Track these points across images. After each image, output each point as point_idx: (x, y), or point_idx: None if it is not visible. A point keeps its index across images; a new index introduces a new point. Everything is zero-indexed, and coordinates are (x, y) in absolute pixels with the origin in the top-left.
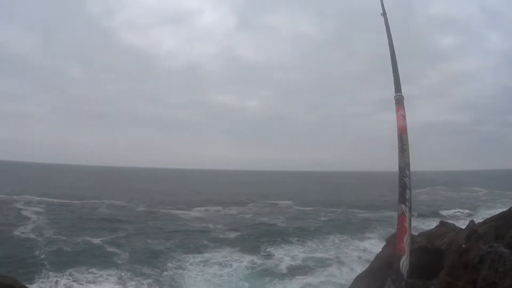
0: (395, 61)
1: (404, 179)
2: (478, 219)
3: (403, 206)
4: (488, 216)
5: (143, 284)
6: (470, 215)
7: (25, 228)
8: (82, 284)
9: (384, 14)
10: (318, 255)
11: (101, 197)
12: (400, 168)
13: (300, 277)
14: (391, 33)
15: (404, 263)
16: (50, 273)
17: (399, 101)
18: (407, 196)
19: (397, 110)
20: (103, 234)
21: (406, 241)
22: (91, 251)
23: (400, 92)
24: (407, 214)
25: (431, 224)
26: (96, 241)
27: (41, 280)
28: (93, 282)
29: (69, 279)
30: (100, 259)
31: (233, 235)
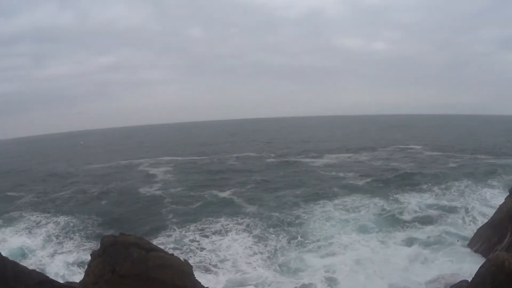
0: None
1: None
2: None
3: None
4: None
5: (269, 231)
6: None
7: (151, 187)
8: (208, 237)
9: None
10: (443, 202)
11: (231, 150)
12: None
13: (423, 225)
14: None
15: None
16: (175, 227)
17: None
18: None
19: None
20: (230, 186)
21: None
22: (219, 204)
23: None
24: None
25: None
26: (224, 194)
27: (166, 234)
28: (219, 232)
29: (195, 231)
30: (227, 211)
31: (362, 181)
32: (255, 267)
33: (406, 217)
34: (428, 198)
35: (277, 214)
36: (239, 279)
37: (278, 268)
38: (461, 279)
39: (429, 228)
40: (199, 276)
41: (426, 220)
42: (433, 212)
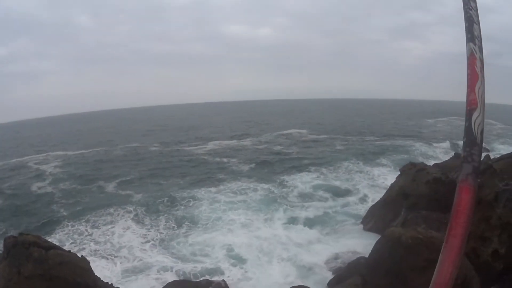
0: None
1: (469, 11)
2: (493, 155)
3: (471, 45)
4: (504, 153)
5: (159, 218)
6: (485, 150)
7: (42, 183)
8: (99, 228)
9: None
10: (333, 183)
11: (115, 141)
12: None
13: (313, 205)
14: None
15: (477, 119)
16: (69, 222)
17: None
18: (475, 33)
19: None
20: (117, 178)
21: (478, 90)
22: (106, 196)
23: None
24: (477, 55)
25: (445, 156)
26: (111, 186)
27: (60, 230)
28: (110, 223)
29: (87, 224)
30: (115, 202)
31: (247, 167)
32: (150, 255)
33: (295, 198)
34: (316, 179)
35: (164, 201)
36: (137, 266)
37: (175, 252)
38: (358, 256)
39: (319, 208)
40: (96, 268)
41: (316, 200)
42: (322, 193)
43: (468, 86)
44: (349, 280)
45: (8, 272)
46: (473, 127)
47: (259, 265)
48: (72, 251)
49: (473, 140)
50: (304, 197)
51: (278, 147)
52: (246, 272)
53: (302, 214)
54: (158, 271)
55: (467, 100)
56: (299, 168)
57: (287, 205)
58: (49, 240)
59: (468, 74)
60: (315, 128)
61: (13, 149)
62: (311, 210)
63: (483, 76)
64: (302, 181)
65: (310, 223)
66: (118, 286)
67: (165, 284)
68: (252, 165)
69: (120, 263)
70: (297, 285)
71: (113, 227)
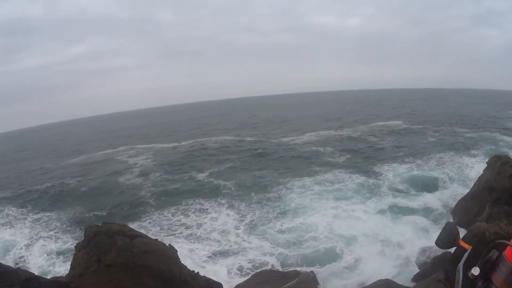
0: None
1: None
2: None
3: None
4: None
5: (252, 206)
6: None
7: (131, 174)
8: (189, 215)
9: None
10: (426, 173)
11: (207, 133)
12: None
13: (405, 196)
14: None
15: None
16: (158, 210)
17: None
18: None
19: None
20: (209, 169)
21: None
22: (198, 185)
23: None
24: None
25: None
26: (202, 176)
27: (149, 218)
28: (201, 210)
29: (177, 212)
30: (206, 191)
31: (342, 157)
32: (241, 240)
33: (388, 189)
34: (409, 170)
35: (257, 190)
36: (228, 251)
37: (268, 238)
38: (444, 251)
39: (412, 200)
40: (185, 254)
41: (408, 192)
42: (414, 184)
43: None
44: (433, 275)
45: (87, 260)
46: None
47: (351, 255)
48: (161, 237)
49: None
50: (397, 188)
51: (373, 138)
52: (336, 262)
53: (395, 205)
54: (249, 256)
55: None
56: (393, 158)
57: (380, 196)
58: (138, 228)
59: None
60: (408, 118)
61: (101, 142)
62: (404, 202)
63: None
64: (396, 172)
65: (401, 215)
66: (204, 268)
67: (254, 272)
68: (347, 156)
69: (211, 247)
70: (383, 278)
71: (204, 214)
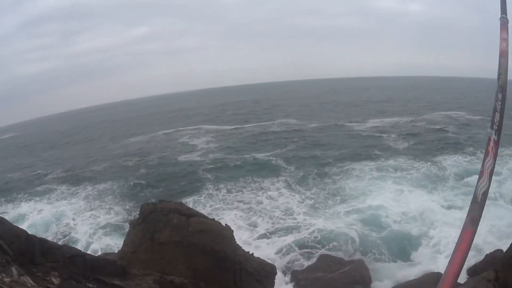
0: None
1: (495, 102)
2: None
3: (490, 130)
4: None
5: (312, 188)
6: None
7: (191, 154)
8: (246, 193)
9: None
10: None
11: (274, 117)
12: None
13: (467, 188)
14: None
15: (480, 185)
16: (214, 187)
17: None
18: (495, 120)
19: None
20: (270, 151)
21: (486, 164)
22: (258, 165)
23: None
24: (491, 137)
25: None
26: (262, 156)
27: (207, 194)
28: (258, 189)
29: (234, 193)
30: (265, 170)
31: (405, 144)
32: (299, 219)
33: (450, 179)
34: (470, 162)
35: (318, 173)
36: (285, 228)
37: (328, 217)
38: (496, 248)
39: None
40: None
41: (468, 184)
42: (475, 177)
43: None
44: (483, 273)
45: (141, 237)
46: (477, 191)
47: (409, 243)
48: (218, 213)
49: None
50: (458, 179)
51: (437, 126)
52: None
53: (457, 197)
54: (303, 236)
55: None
56: (456, 149)
57: (443, 185)
58: (194, 203)
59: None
60: (472, 108)
61: (163, 121)
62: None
63: (494, 155)
64: (455, 163)
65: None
66: (259, 247)
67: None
68: (410, 143)
69: (267, 224)
70: (435, 271)
71: (263, 192)
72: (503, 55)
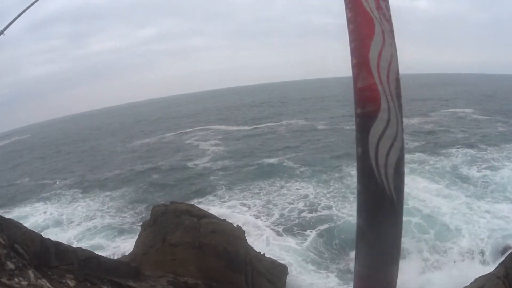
0: None
1: None
2: None
3: None
4: None
5: (328, 184)
6: None
7: (202, 156)
8: (254, 192)
9: None
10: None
11: (280, 117)
12: None
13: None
14: None
15: None
16: (227, 193)
17: None
18: None
19: None
20: (280, 154)
21: None
22: (268, 168)
23: None
24: None
25: None
26: (272, 160)
27: (218, 200)
28: (270, 188)
29: (246, 195)
30: (278, 173)
31: (415, 143)
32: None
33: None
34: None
35: (327, 173)
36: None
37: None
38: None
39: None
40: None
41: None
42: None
43: None
44: (493, 270)
45: (151, 238)
46: None
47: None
48: (229, 214)
49: None
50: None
51: (445, 127)
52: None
53: (462, 191)
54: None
55: None
56: (465, 145)
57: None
58: (206, 204)
59: None
60: (479, 106)
61: (171, 123)
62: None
63: None
64: (464, 158)
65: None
66: (268, 246)
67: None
68: (423, 142)
69: (280, 226)
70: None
71: (274, 192)
72: None
